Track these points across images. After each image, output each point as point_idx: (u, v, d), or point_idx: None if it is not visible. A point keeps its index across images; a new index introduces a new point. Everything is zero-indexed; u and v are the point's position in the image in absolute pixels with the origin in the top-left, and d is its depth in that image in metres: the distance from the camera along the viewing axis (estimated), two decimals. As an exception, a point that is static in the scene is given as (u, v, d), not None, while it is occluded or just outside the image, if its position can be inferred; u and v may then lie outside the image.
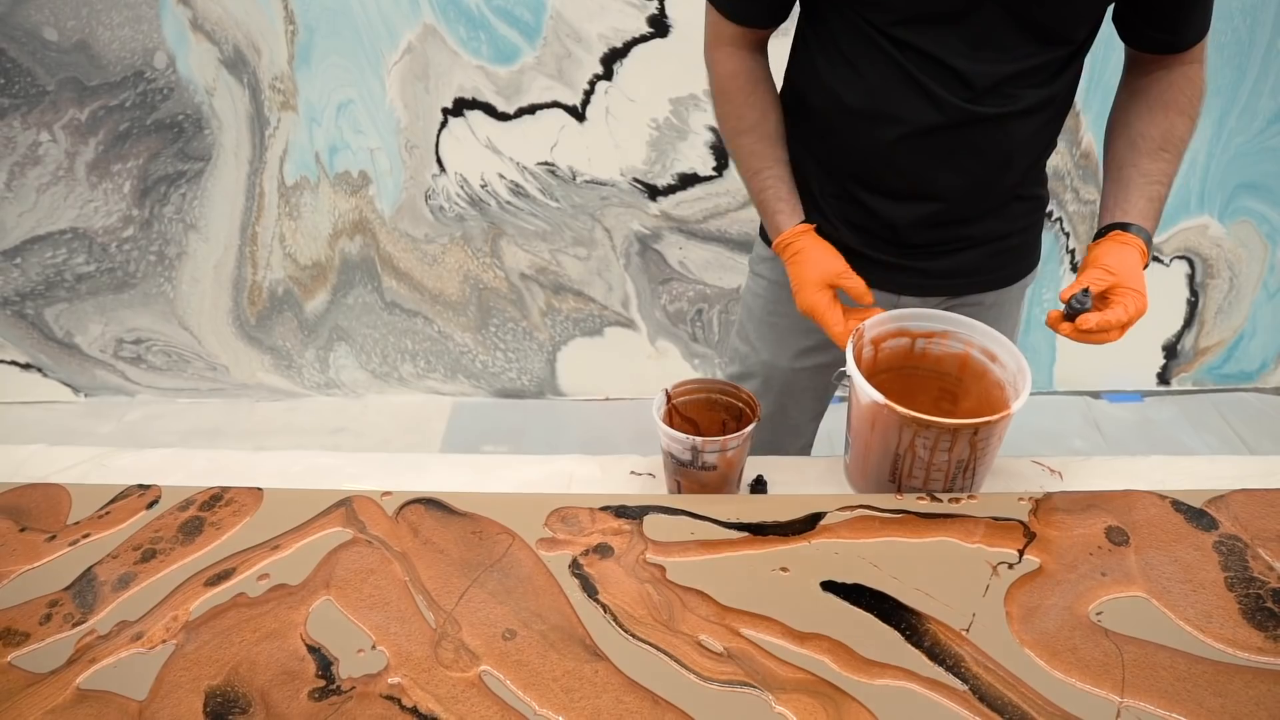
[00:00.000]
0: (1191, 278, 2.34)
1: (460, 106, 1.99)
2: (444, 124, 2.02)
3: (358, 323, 2.33)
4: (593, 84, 1.95)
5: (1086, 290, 0.96)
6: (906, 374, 1.08)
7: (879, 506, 0.92)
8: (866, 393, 0.91)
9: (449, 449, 2.28)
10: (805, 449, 1.41)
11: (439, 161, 2.07)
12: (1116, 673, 0.76)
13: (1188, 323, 2.41)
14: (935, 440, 0.90)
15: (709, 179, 2.07)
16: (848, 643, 0.78)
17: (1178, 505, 0.94)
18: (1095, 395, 2.49)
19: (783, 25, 1.07)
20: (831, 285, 1.06)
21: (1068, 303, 0.96)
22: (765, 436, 1.33)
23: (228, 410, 2.45)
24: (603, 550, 0.87)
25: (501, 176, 2.08)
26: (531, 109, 1.99)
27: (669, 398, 1.01)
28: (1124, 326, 0.95)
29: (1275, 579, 0.86)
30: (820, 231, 1.11)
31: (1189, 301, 2.38)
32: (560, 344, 2.36)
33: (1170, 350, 2.45)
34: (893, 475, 0.96)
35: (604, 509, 0.92)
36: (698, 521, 0.90)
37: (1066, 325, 0.96)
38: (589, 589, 0.83)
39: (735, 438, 0.94)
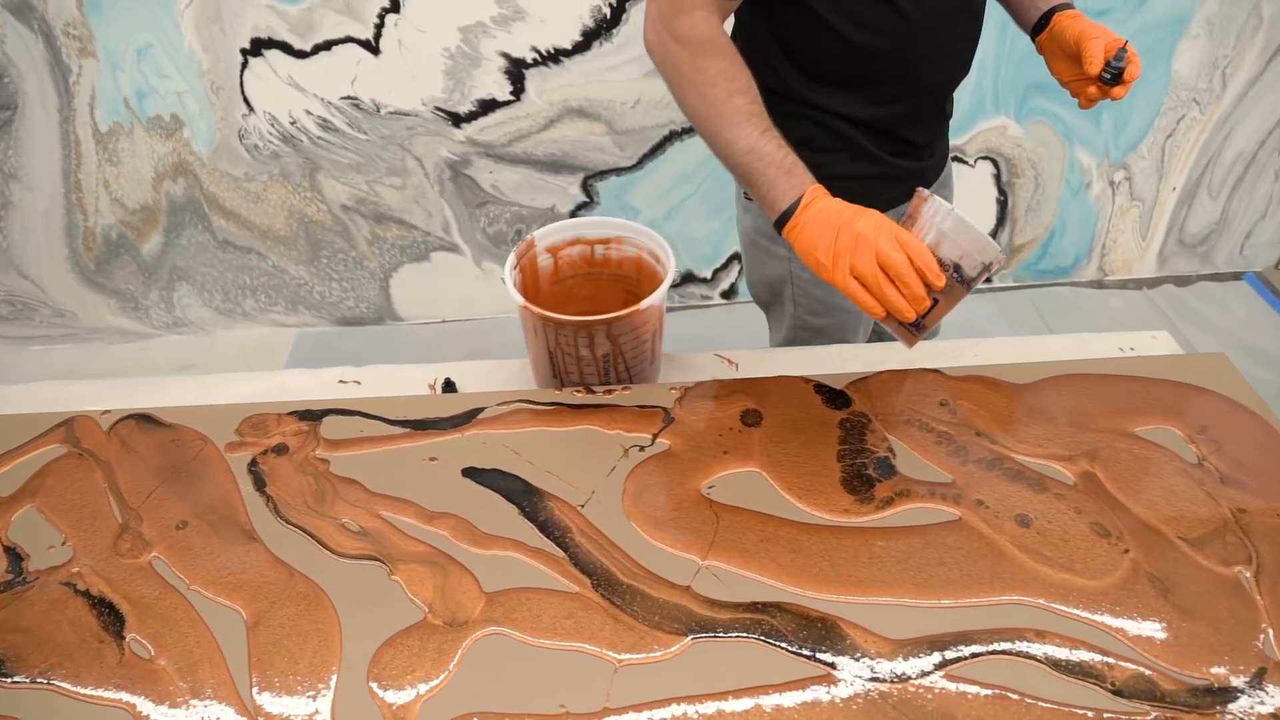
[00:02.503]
0: (998, 177, 2.44)
1: (258, 46, 2.03)
2: (245, 64, 2.06)
3: (194, 262, 2.39)
4: (382, 17, 2.00)
5: (1124, 46, 1.01)
6: (594, 279, 1.19)
7: (535, 400, 1.05)
8: (514, 297, 1.02)
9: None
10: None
11: (246, 101, 2.11)
12: (708, 538, 0.87)
13: (1000, 221, 2.52)
14: (574, 336, 1.02)
15: (508, 103, 2.14)
16: (471, 520, 0.90)
17: (819, 388, 1.04)
18: (917, 293, 2.63)
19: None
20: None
21: (1108, 65, 1.02)
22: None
23: (81, 355, 2.51)
24: (280, 450, 0.99)
25: (308, 113, 2.14)
26: (327, 45, 2.04)
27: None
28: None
29: (884, 449, 0.96)
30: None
31: (998, 200, 2.48)
32: (390, 271, 2.44)
33: (985, 247, 2.58)
34: (555, 371, 1.08)
35: (290, 414, 1.04)
36: (369, 420, 1.03)
37: (1119, 89, 1.04)
38: (259, 483, 0.95)
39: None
